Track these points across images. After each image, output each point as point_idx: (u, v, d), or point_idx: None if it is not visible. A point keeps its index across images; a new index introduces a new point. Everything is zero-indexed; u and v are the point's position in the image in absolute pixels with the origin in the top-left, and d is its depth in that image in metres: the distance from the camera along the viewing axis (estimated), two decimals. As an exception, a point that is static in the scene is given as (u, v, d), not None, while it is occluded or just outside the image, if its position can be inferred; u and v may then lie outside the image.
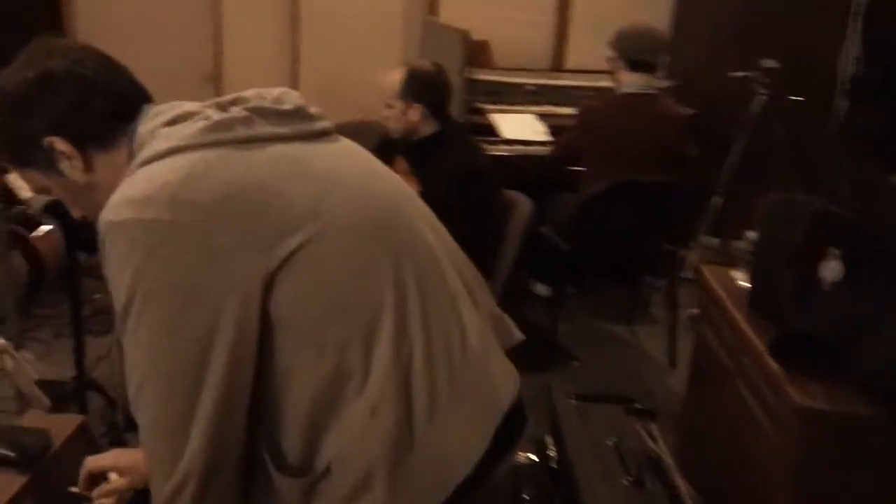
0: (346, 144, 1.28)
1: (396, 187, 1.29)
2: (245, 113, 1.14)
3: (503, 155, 3.70)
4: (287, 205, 1.09)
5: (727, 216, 4.22)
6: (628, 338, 3.69)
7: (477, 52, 3.92)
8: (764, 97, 4.00)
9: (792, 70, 4.01)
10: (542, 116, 3.96)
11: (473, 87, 3.95)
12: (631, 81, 3.22)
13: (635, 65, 3.20)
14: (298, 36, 4.21)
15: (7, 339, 1.36)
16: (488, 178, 2.62)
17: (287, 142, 1.16)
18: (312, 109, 1.23)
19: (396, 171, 2.73)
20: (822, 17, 4.19)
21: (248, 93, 1.22)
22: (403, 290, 1.14)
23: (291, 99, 1.21)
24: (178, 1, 4.07)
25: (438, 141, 2.63)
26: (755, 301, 1.88)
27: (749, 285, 1.95)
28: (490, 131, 3.82)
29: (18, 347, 1.36)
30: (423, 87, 2.58)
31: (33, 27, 3.74)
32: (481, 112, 3.93)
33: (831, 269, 1.74)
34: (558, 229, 3.35)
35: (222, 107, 1.18)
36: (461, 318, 1.20)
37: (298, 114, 1.20)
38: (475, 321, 1.22)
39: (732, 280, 2.09)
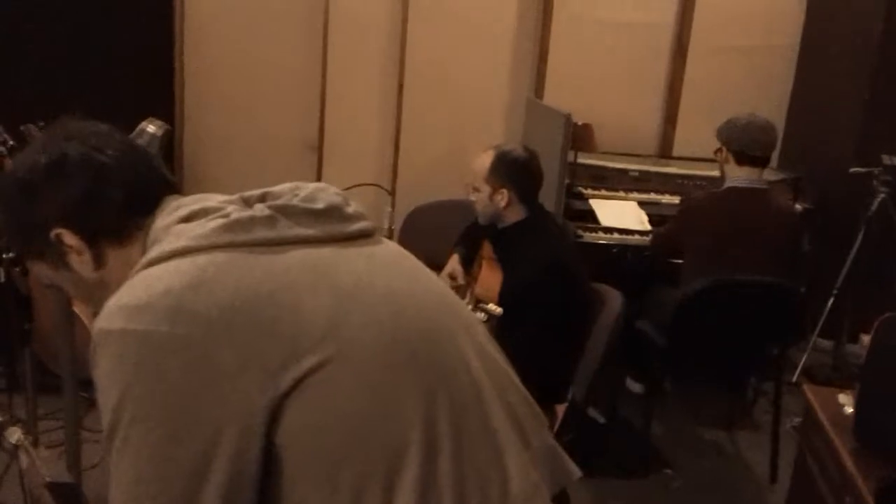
0: (386, 250, 1.14)
1: (442, 305, 1.13)
2: (268, 212, 1.03)
3: (600, 243, 3.58)
4: (302, 321, 0.96)
5: (842, 318, 3.94)
6: (727, 446, 3.44)
7: (580, 136, 3.85)
8: (884, 195, 3.74)
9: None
10: (646, 204, 3.83)
11: (576, 171, 3.86)
12: (738, 175, 3.06)
13: (743, 159, 3.04)
14: (402, 107, 4.24)
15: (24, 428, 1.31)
16: (575, 271, 2.50)
17: (314, 245, 1.04)
18: (350, 209, 1.11)
19: (482, 257, 2.69)
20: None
21: (281, 187, 1.12)
22: (434, 430, 0.99)
23: (326, 196, 1.09)
24: (284, 71, 4.16)
25: (525, 229, 2.54)
26: (862, 432, 1.68)
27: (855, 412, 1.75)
28: (590, 217, 3.72)
29: (36, 443, 1.32)
30: (512, 172, 2.50)
31: (145, 102, 3.93)
32: (582, 197, 3.83)
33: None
34: (655, 325, 3.19)
35: (247, 202, 1.08)
36: (503, 462, 1.05)
37: (332, 213, 1.08)
38: (520, 465, 1.06)
39: (838, 404, 1.89)
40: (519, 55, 4.30)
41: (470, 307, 2.45)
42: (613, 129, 4.40)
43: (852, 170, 3.82)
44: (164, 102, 4.00)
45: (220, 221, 1.01)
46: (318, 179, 4.15)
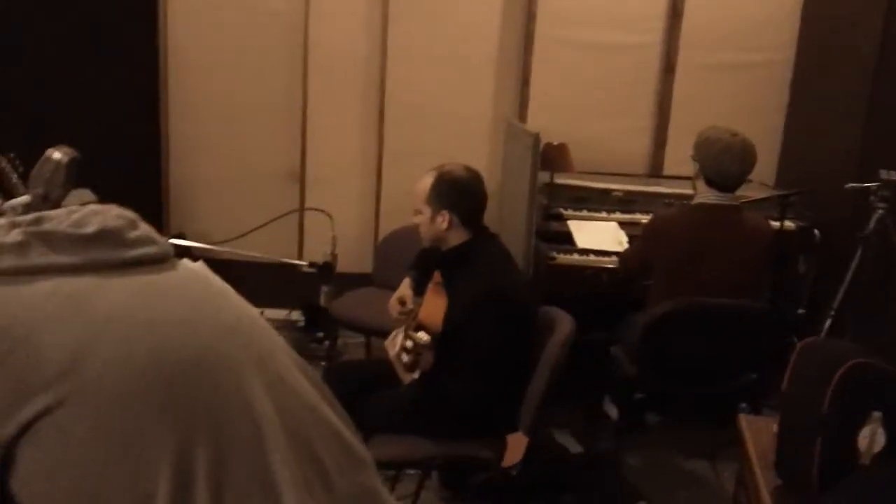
0: (174, 276, 1.01)
1: (229, 336, 0.98)
2: (20, 238, 0.92)
3: (574, 265, 3.42)
4: (37, 357, 0.84)
5: (842, 338, 3.70)
6: (709, 477, 3.22)
7: (555, 156, 3.70)
8: (882, 211, 3.51)
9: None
10: (632, 225, 3.65)
11: (553, 191, 3.72)
12: (706, 194, 2.88)
13: (713, 184, 2.86)
14: (383, 135, 4.15)
15: None
16: (517, 297, 2.36)
17: (72, 274, 0.92)
18: (134, 233, 0.98)
19: (432, 286, 2.56)
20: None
21: (59, 210, 1.00)
22: (187, 479, 0.86)
23: (101, 220, 0.97)
24: (266, 104, 4.11)
25: (467, 252, 2.40)
26: (782, 469, 1.50)
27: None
28: (568, 238, 3.56)
29: None
30: (452, 194, 2.38)
31: (131, 140, 3.90)
32: (561, 218, 3.67)
33: (869, 439, 1.36)
34: (627, 350, 3.01)
35: (13, 226, 0.96)
36: None
37: (105, 239, 0.96)
38: None
39: (774, 435, 1.70)
40: (502, 80, 4.19)
41: (400, 336, 2.32)
42: (603, 149, 4.26)
43: (849, 186, 3.60)
44: (150, 140, 3.99)
45: None
46: (303, 208, 4.07)
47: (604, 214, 3.74)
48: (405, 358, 2.20)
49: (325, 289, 2.28)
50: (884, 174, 3.49)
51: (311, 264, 2.29)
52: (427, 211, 2.41)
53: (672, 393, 3.07)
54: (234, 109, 4.09)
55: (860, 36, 3.81)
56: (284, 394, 0.99)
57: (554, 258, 3.43)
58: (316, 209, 3.08)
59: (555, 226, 3.63)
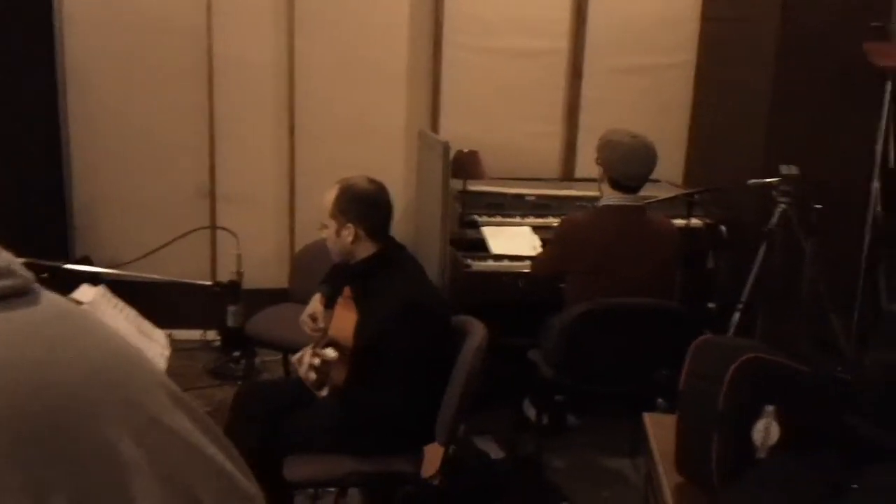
0: (33, 313, 0.92)
1: (93, 377, 0.91)
2: None
3: (489, 272, 3.42)
4: None
5: (751, 331, 3.80)
6: (630, 474, 3.26)
7: (466, 164, 3.70)
8: (784, 206, 3.62)
9: (823, 172, 3.65)
10: (546, 229, 3.67)
11: (467, 199, 3.72)
12: (611, 195, 2.92)
13: (617, 186, 2.91)
14: (294, 148, 4.08)
15: None
16: (430, 308, 2.35)
17: None
18: None
19: (342, 300, 2.52)
20: (855, 116, 3.82)
21: None
22: None
23: None
24: (171, 119, 4.00)
25: (376, 265, 2.38)
26: (682, 465, 1.51)
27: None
28: (483, 245, 3.56)
29: None
30: (357, 207, 2.35)
31: (33, 153, 3.74)
32: (476, 225, 3.67)
33: (764, 432, 1.38)
34: (545, 353, 3.03)
35: None
36: None
37: None
38: None
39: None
40: (413, 88, 4.18)
41: (307, 353, 2.27)
42: (516, 155, 4.28)
43: (750, 182, 3.70)
44: (51, 161, 3.84)
45: None
46: (213, 226, 3.98)
47: (518, 219, 3.76)
48: (311, 376, 2.15)
49: (231, 308, 2.22)
50: (784, 169, 3.60)
51: (217, 284, 2.23)
52: (332, 225, 2.37)
53: (590, 393, 3.09)
54: (139, 125, 3.97)
55: (759, 34, 3.93)
56: (159, 435, 0.93)
57: (469, 266, 3.42)
58: (220, 227, 3.01)
59: (470, 233, 3.63)
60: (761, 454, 1.39)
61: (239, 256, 2.30)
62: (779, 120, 3.93)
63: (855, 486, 1.25)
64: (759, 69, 3.92)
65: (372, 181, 2.41)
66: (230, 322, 2.29)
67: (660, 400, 3.51)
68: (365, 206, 2.35)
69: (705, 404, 1.42)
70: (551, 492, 3.06)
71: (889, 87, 3.56)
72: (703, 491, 1.44)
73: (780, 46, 3.83)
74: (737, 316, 3.67)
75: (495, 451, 3.27)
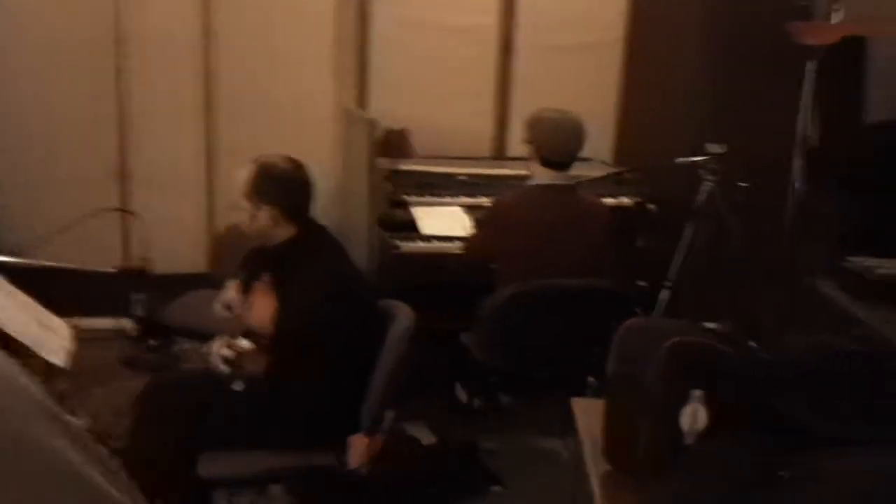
0: None
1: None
2: None
3: (419, 253, 3.33)
4: None
5: (680, 309, 3.79)
6: (564, 455, 3.22)
7: (395, 142, 3.59)
8: (711, 184, 3.60)
9: (748, 150, 3.65)
10: (476, 209, 3.59)
11: (399, 179, 3.61)
12: (541, 174, 2.86)
13: (548, 163, 2.84)
14: (212, 127, 3.90)
15: None
16: (355, 293, 2.24)
17: None
18: None
19: (260, 286, 2.38)
20: (779, 95, 3.83)
21: None
22: None
23: None
24: (76, 99, 3.76)
25: (295, 248, 2.25)
26: (610, 453, 1.45)
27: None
28: (414, 226, 3.46)
29: None
30: (274, 187, 2.22)
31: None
32: (406, 205, 3.57)
33: (692, 417, 1.32)
34: (478, 335, 2.95)
35: None
36: None
37: None
38: None
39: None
40: (340, 63, 4.02)
41: (220, 345, 2.14)
42: (446, 133, 4.17)
43: (677, 160, 3.67)
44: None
45: None
46: (126, 209, 3.78)
47: (449, 199, 3.66)
48: (224, 369, 2.03)
49: (137, 297, 2.07)
50: (711, 147, 3.59)
51: (121, 270, 2.08)
52: (248, 206, 2.23)
53: (523, 374, 3.04)
54: (44, 102, 3.72)
55: (686, 13, 3.91)
56: (25, 455, 0.86)
57: (398, 247, 3.32)
58: (122, 210, 2.85)
59: (399, 214, 3.53)
60: (689, 440, 1.33)
61: (145, 241, 2.14)
62: (705, 98, 3.93)
63: (783, 473, 1.20)
64: (685, 48, 3.90)
65: (290, 159, 2.28)
66: (136, 311, 2.14)
67: (591, 378, 3.48)
68: (283, 186, 2.23)
69: (633, 391, 1.36)
70: (484, 476, 3.00)
71: (812, 65, 3.56)
72: (632, 479, 1.38)
73: (705, 25, 3.82)
74: (665, 293, 3.66)
75: (427, 437, 3.19)
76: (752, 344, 1.38)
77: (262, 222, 2.22)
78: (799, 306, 3.52)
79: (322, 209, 3.98)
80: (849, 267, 1.93)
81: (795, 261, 3.83)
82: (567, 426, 3.32)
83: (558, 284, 2.75)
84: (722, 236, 3.65)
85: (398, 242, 3.34)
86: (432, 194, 3.67)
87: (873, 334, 1.60)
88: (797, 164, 3.76)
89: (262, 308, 2.29)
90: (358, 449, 2.25)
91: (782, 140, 3.78)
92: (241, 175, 2.25)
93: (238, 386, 2.14)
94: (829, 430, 1.24)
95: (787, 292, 3.92)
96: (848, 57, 3.78)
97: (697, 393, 1.33)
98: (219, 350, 2.13)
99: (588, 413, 1.67)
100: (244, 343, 2.07)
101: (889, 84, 3.87)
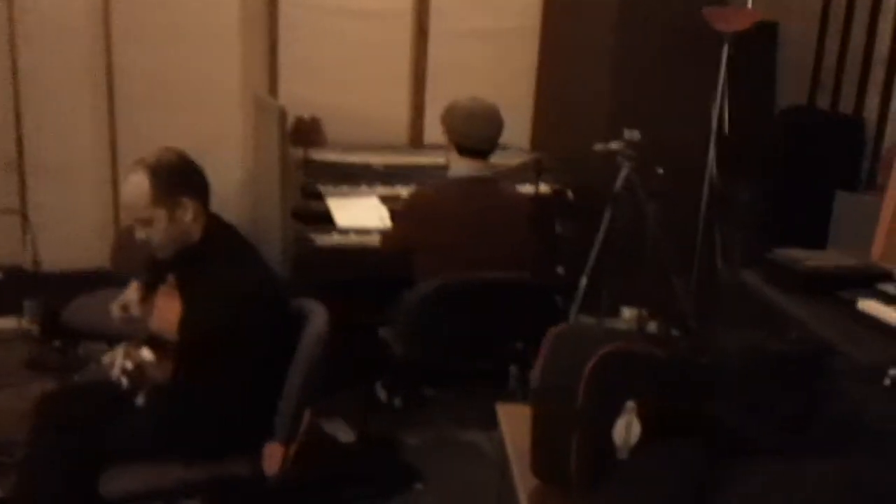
0: None
1: None
2: None
3: (335, 246, 3.19)
4: None
5: (600, 295, 3.77)
6: (487, 449, 3.15)
7: (306, 131, 3.43)
8: (628, 169, 3.57)
9: (663, 138, 3.63)
10: (393, 199, 3.46)
11: (313, 169, 3.46)
12: (461, 166, 2.76)
13: (464, 151, 2.74)
14: (115, 115, 3.65)
15: None
16: (264, 295, 2.09)
17: None
18: None
19: (164, 288, 2.21)
20: (694, 81, 3.82)
21: None
22: None
23: None
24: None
25: (201, 247, 2.09)
26: (538, 469, 1.36)
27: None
28: (327, 218, 3.32)
29: None
30: (182, 178, 2.03)
31: None
32: (320, 196, 3.42)
33: (625, 431, 1.25)
34: (398, 330, 2.84)
35: None
36: None
37: None
38: None
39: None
40: (248, 48, 3.82)
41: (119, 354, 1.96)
42: (361, 121, 4.03)
43: (596, 147, 3.63)
44: None
45: None
46: (23, 202, 3.51)
47: (365, 189, 3.53)
48: (124, 382, 1.87)
49: (28, 302, 1.88)
50: (627, 133, 3.55)
51: (10, 271, 1.87)
52: (161, 214, 2.02)
53: (444, 369, 2.95)
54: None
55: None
56: None
57: (313, 241, 3.17)
58: (13, 211, 2.62)
59: (314, 205, 3.38)
60: (623, 455, 1.25)
61: (30, 239, 1.93)
62: (621, 84, 3.89)
63: (715, 490, 1.13)
64: (600, 34, 3.86)
65: (169, 149, 2.07)
66: (30, 314, 1.94)
67: (512, 367, 3.43)
68: (189, 175, 2.05)
69: (562, 404, 1.27)
70: (405, 473, 2.90)
71: (726, 51, 3.57)
72: (562, 497, 1.29)
73: (620, 11, 3.78)
74: (584, 280, 3.62)
75: (346, 434, 3.07)
76: (686, 345, 1.31)
77: (185, 220, 2.03)
78: (723, 298, 3.54)
79: (232, 201, 3.83)
80: (774, 259, 1.88)
81: (713, 249, 3.86)
82: (491, 419, 3.27)
83: (477, 279, 2.66)
84: (639, 222, 3.63)
85: (313, 235, 3.19)
86: (348, 184, 3.53)
87: (809, 334, 1.56)
88: (712, 151, 3.77)
89: (168, 312, 2.12)
90: (274, 457, 2.11)
91: (698, 127, 3.79)
92: (132, 186, 2.02)
93: (140, 400, 1.97)
94: (765, 440, 1.18)
95: (709, 282, 3.96)
96: (759, 43, 3.82)
97: (630, 405, 1.25)
98: (118, 361, 1.95)
99: (514, 420, 1.58)
100: (145, 353, 1.90)
101: (799, 68, 3.92)
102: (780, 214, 3.58)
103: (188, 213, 2.05)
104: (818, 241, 2.67)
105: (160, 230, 2.05)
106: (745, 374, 1.28)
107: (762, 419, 1.22)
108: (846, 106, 3.70)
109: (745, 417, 1.23)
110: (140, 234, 2.06)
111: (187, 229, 2.07)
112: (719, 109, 3.72)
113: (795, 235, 2.40)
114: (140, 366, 1.87)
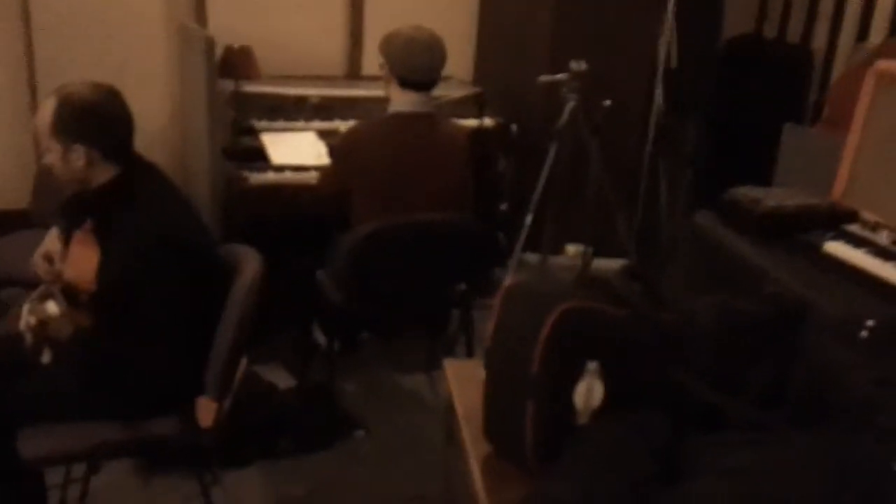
0: None
1: None
2: None
3: (270, 184, 2.98)
4: None
5: (544, 232, 3.65)
6: (427, 394, 3.05)
7: (236, 62, 3.16)
8: (574, 102, 3.41)
9: (609, 72, 3.48)
10: (331, 134, 3.24)
11: (244, 102, 3.21)
12: (402, 100, 2.56)
13: (406, 83, 2.54)
14: (33, 45, 3.32)
15: None
16: (189, 241, 1.90)
17: None
18: None
19: (80, 235, 1.99)
20: (641, 14, 3.66)
21: None
22: None
23: None
24: None
25: (118, 191, 1.88)
26: (492, 436, 1.24)
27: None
28: (261, 155, 3.09)
29: None
30: (84, 123, 1.81)
31: None
32: (253, 132, 3.18)
33: (586, 394, 1.12)
34: (334, 274, 2.67)
35: None
36: None
37: None
38: None
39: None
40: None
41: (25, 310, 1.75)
42: (295, 51, 3.77)
43: (541, 79, 3.45)
44: None
45: None
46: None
47: (301, 124, 3.31)
48: (28, 338, 1.67)
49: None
50: (573, 65, 3.38)
51: None
52: (56, 147, 1.82)
53: (383, 315, 2.81)
54: None
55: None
56: None
57: (246, 179, 2.96)
58: None
59: (246, 141, 3.14)
60: (583, 419, 1.13)
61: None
62: (566, 15, 3.72)
63: (679, 464, 1.02)
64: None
65: (98, 87, 1.85)
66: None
67: (454, 310, 3.30)
68: (94, 121, 1.82)
69: (518, 367, 1.14)
70: (345, 420, 2.78)
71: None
72: (518, 468, 1.17)
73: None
74: (529, 218, 3.49)
75: (284, 380, 2.92)
76: (647, 302, 1.18)
77: (76, 165, 1.82)
78: (673, 240, 3.45)
79: (159, 138, 3.56)
80: (729, 198, 1.77)
81: (658, 186, 3.76)
82: (432, 362, 3.16)
83: (416, 221, 2.50)
84: (584, 158, 3.50)
85: (246, 174, 2.97)
86: (283, 119, 3.30)
87: (774, 285, 1.45)
88: (660, 85, 3.64)
89: (84, 260, 1.91)
90: (207, 413, 1.95)
91: (644, 60, 3.64)
92: (42, 110, 1.82)
93: (46, 357, 1.77)
94: (736, 413, 1.07)
95: (644, 214, 3.87)
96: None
97: (592, 366, 1.12)
98: (24, 316, 1.74)
99: (464, 382, 1.44)
100: (50, 307, 1.70)
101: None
102: (727, 148, 3.49)
103: (80, 160, 1.83)
104: (765, 175, 2.57)
105: (54, 163, 1.87)
106: (714, 344, 1.16)
107: (733, 392, 1.11)
108: (793, 36, 3.59)
109: (715, 391, 1.12)
110: (45, 160, 1.86)
111: (80, 174, 1.86)
112: (667, 44, 3.58)
113: (742, 170, 2.30)
114: (43, 321, 1.67)
